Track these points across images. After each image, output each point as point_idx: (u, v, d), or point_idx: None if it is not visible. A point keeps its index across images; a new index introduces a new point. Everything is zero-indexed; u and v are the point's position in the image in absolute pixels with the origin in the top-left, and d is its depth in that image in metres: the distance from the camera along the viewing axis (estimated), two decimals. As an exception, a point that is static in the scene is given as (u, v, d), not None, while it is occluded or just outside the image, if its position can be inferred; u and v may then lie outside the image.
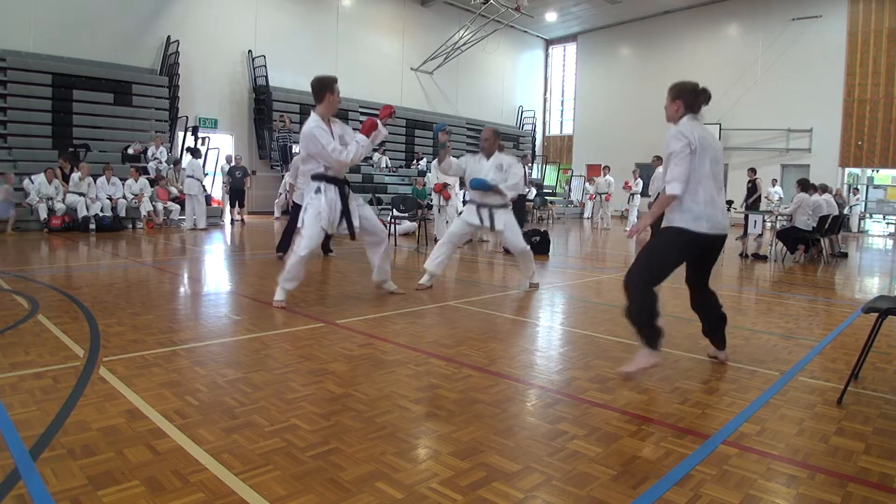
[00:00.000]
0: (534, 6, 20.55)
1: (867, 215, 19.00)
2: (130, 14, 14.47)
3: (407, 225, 11.92)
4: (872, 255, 11.81)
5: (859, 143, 18.35)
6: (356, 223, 4.94)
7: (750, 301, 5.94)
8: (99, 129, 13.43)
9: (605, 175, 17.73)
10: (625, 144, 22.48)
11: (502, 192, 5.64)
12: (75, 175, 11.18)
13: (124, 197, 11.81)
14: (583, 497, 1.97)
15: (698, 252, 3.30)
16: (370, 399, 2.80)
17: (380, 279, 5.41)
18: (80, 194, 11.07)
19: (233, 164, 14.16)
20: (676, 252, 3.23)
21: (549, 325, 4.70)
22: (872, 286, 7.41)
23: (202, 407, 2.64)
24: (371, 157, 18.13)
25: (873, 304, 3.00)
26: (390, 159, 19.09)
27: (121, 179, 11.92)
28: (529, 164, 18.20)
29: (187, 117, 15.21)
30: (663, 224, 3.31)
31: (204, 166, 12.85)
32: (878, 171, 19.34)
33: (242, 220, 14.02)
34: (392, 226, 10.35)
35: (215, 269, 7.31)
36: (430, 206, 10.98)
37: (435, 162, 10.70)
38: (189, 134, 14.99)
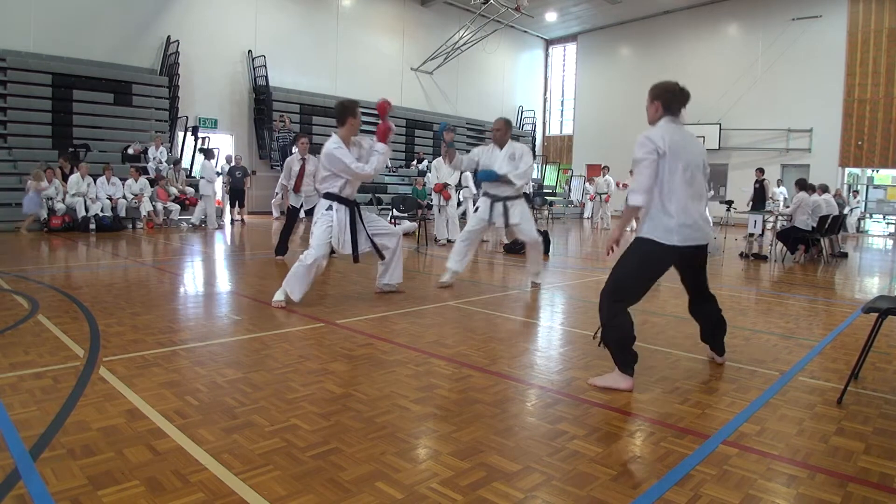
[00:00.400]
0: (534, 6, 20.55)
1: (867, 215, 18.99)
2: (130, 14, 14.47)
3: (407, 225, 11.92)
4: (872, 255, 11.81)
5: (859, 143, 18.35)
6: (362, 248, 4.99)
7: (750, 301, 5.94)
8: (99, 129, 13.43)
9: (604, 175, 17.75)
10: (625, 144, 22.24)
11: (511, 181, 5.58)
12: (73, 177, 11.15)
13: (124, 197, 11.81)
14: (583, 497, 1.97)
15: (674, 264, 3.15)
16: (370, 399, 2.80)
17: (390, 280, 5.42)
18: (80, 195, 11.07)
19: (233, 164, 14.17)
20: (646, 269, 3.05)
21: (549, 325, 4.70)
22: (872, 286, 7.41)
23: (202, 407, 2.64)
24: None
25: (873, 304, 3.00)
26: (390, 159, 19.04)
27: (121, 179, 11.92)
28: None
29: (187, 117, 15.22)
30: (635, 232, 3.14)
31: (216, 167, 13.04)
32: (878, 171, 19.35)
33: (242, 220, 14.02)
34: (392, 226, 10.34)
35: (215, 270, 7.31)
36: (430, 206, 10.99)
37: (435, 162, 10.74)
38: (189, 134, 15.02)
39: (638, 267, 3.05)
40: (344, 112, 4.83)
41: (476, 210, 6.06)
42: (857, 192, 18.15)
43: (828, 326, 4.72)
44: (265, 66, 16.62)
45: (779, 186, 16.89)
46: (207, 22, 15.84)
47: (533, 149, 25.39)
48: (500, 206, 5.69)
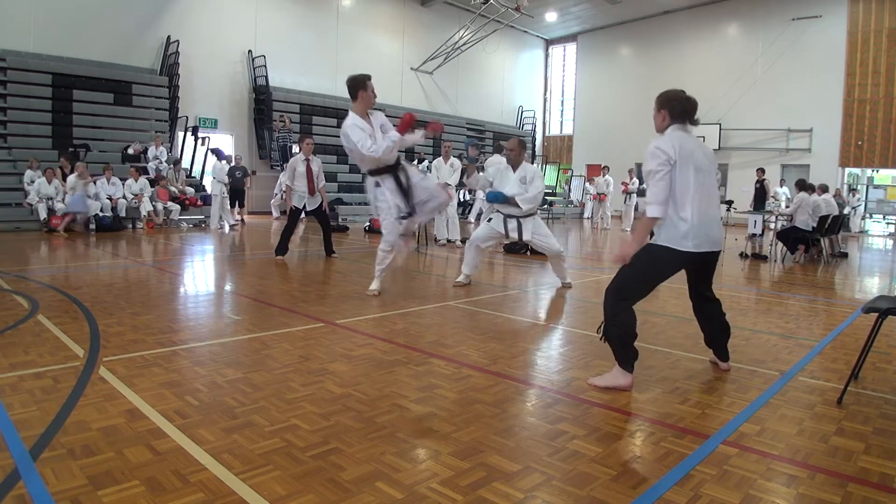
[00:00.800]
0: (534, 6, 20.55)
1: (867, 215, 18.99)
2: (130, 14, 14.46)
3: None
4: (872, 255, 11.81)
5: (859, 143, 18.35)
6: (418, 197, 5.11)
7: (750, 301, 5.94)
8: (99, 129, 13.43)
9: (604, 175, 17.75)
10: (625, 144, 22.44)
11: (517, 204, 5.66)
12: (72, 177, 11.12)
13: (124, 197, 11.81)
14: (583, 497, 1.97)
15: (686, 268, 3.19)
16: (370, 399, 2.80)
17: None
18: (89, 196, 11.07)
19: (233, 164, 14.16)
20: (655, 273, 3.10)
21: (549, 325, 4.70)
22: (872, 286, 7.41)
23: (202, 407, 2.64)
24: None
25: (873, 304, 3.00)
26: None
27: (121, 179, 11.92)
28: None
29: (187, 117, 15.21)
30: (651, 237, 3.17)
31: (228, 167, 13.16)
32: (878, 171, 19.33)
33: (242, 220, 14.02)
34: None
35: (215, 269, 7.31)
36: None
37: (435, 162, 10.74)
38: (189, 134, 15.01)
39: (647, 270, 3.08)
40: (355, 86, 4.95)
41: (490, 220, 6.12)
42: (855, 190, 18.13)
43: (828, 326, 4.72)
44: (265, 66, 16.62)
45: (781, 186, 16.90)
46: (207, 22, 15.84)
47: (533, 149, 25.40)
48: (513, 223, 5.84)
